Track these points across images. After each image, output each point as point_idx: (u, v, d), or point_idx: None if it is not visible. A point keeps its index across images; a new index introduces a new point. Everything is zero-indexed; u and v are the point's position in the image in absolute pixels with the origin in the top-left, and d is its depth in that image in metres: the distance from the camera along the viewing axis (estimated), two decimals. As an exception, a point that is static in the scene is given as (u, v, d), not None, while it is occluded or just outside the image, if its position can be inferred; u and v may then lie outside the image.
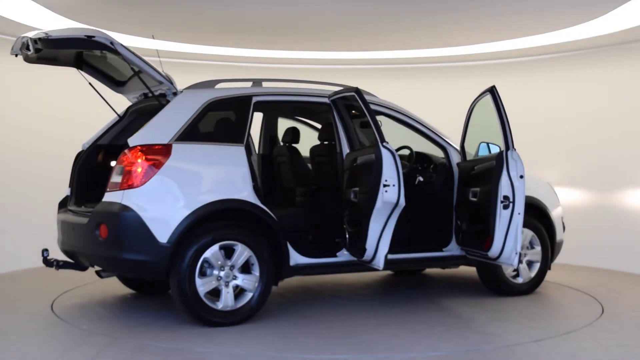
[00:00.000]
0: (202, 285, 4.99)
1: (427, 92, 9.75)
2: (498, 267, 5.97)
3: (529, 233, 6.21)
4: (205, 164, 5.16)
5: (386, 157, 4.96)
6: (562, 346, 4.66)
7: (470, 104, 6.09)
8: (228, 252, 5.12)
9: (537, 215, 6.32)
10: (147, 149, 4.98)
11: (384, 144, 5.00)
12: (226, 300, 5.06)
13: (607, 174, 8.49)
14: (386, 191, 4.91)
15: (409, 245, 6.04)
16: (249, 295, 5.14)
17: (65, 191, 6.11)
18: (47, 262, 5.56)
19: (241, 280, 5.13)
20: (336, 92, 5.61)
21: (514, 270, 6.13)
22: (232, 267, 5.10)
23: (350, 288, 6.72)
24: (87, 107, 6.97)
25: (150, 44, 8.64)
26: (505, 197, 5.34)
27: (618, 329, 5.22)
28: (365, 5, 6.97)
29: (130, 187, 4.91)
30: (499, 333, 5.00)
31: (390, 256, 5.62)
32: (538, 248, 6.26)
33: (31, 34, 5.08)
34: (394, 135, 6.70)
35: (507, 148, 5.43)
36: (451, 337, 4.86)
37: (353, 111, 6.71)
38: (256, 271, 5.15)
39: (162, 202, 4.95)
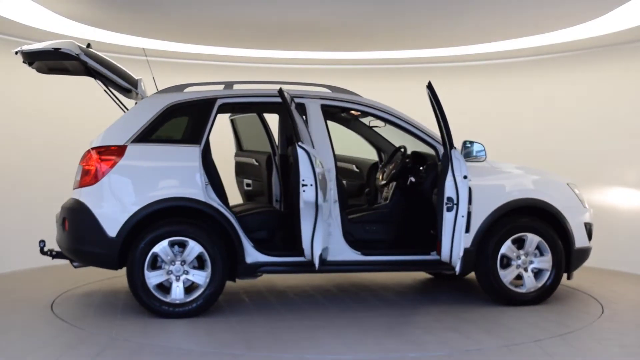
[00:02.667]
0: (152, 278, 5.33)
1: (425, 92, 9.73)
2: (495, 273, 5.76)
3: (535, 239, 5.82)
4: (157, 164, 5.53)
5: (302, 157, 5.02)
6: (562, 346, 4.66)
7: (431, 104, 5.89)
8: (184, 247, 5.42)
9: (548, 219, 5.91)
10: (103, 150, 5.45)
11: (299, 143, 5.06)
12: (175, 293, 5.35)
13: (607, 173, 8.48)
14: (304, 191, 5.00)
15: (395, 247, 6.00)
16: (200, 290, 5.37)
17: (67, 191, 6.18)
18: (43, 252, 5.88)
19: (192, 275, 5.38)
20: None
21: (517, 277, 5.84)
22: (183, 262, 5.37)
23: (340, 289, 6.73)
24: (91, 107, 6.99)
25: (149, 44, 8.66)
26: (449, 199, 5.21)
27: (618, 329, 5.22)
28: (364, 6, 6.96)
29: (87, 185, 5.42)
30: (499, 333, 5.00)
31: (371, 258, 5.69)
32: (548, 255, 5.84)
33: (15, 49, 5.65)
34: (394, 134, 6.71)
35: (450, 147, 5.28)
36: (382, 343, 4.75)
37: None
38: (208, 267, 5.38)
39: (113, 199, 5.39)
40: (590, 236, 6.14)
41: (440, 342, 4.76)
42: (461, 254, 5.25)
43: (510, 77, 9.48)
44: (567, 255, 5.91)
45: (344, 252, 5.64)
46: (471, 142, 5.75)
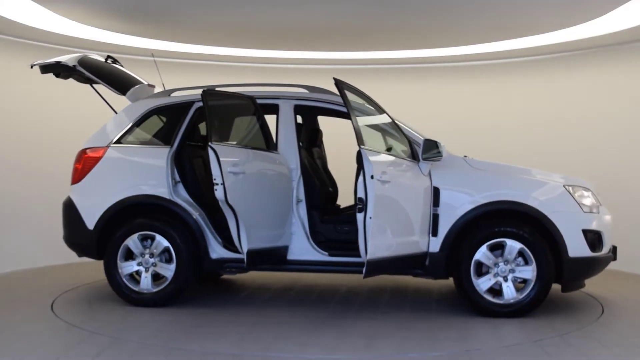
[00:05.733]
0: (124, 268, 5.80)
1: (426, 92, 9.75)
2: (468, 280, 5.45)
3: (516, 245, 5.39)
4: (131, 164, 5.97)
5: (211, 156, 5.11)
6: (562, 346, 4.66)
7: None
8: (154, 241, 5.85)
9: (534, 224, 5.46)
10: (88, 151, 6.01)
11: (210, 143, 5.15)
12: (143, 284, 5.78)
13: (606, 173, 8.48)
14: (216, 190, 5.10)
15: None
16: (167, 282, 5.75)
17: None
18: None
19: (159, 267, 5.77)
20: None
21: (497, 286, 5.46)
22: (152, 255, 5.78)
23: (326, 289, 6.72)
24: (91, 106, 7.05)
25: (152, 45, 8.69)
26: (360, 200, 4.99)
27: (618, 329, 5.23)
28: (364, 6, 6.97)
29: (75, 182, 6.02)
30: (499, 333, 5.00)
31: (336, 259, 5.64)
32: (532, 264, 5.39)
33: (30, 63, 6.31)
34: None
35: (359, 145, 5.00)
36: (325, 343, 4.73)
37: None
38: (174, 261, 5.74)
39: (92, 195, 5.94)
40: (594, 245, 5.56)
41: (440, 342, 4.76)
42: (366, 258, 4.97)
43: (511, 77, 9.48)
44: (560, 264, 5.44)
45: (308, 251, 5.71)
46: (430, 141, 5.45)
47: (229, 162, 5.13)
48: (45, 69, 6.19)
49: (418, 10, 7.12)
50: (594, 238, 5.57)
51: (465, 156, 5.91)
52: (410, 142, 5.63)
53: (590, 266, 5.59)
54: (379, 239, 5.07)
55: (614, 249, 5.90)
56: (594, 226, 5.58)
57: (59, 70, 6.19)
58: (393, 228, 5.25)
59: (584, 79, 8.83)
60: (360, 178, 5.01)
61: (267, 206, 5.51)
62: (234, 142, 5.47)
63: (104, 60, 6.45)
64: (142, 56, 8.66)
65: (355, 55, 9.46)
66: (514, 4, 6.89)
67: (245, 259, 5.28)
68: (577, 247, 5.46)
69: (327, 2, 6.86)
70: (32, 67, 6.26)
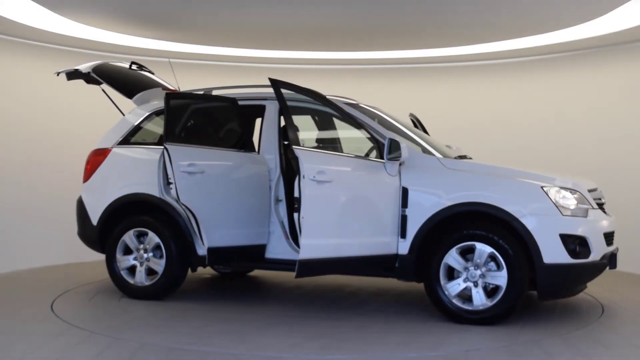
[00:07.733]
0: (122, 262, 6.10)
1: (426, 92, 9.75)
2: (437, 285, 5.23)
3: (486, 249, 5.10)
4: (129, 164, 6.26)
5: (166, 156, 5.40)
6: (562, 346, 4.66)
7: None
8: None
9: (508, 228, 5.12)
10: (96, 152, 6.38)
11: (165, 144, 5.38)
12: (137, 277, 6.05)
13: (605, 173, 8.48)
14: (171, 189, 5.44)
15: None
16: (158, 276, 5.97)
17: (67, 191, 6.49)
18: None
19: (152, 262, 6.02)
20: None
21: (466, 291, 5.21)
22: (145, 250, 6.03)
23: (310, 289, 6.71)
24: (95, 106, 7.09)
25: (159, 45, 8.71)
26: (296, 199, 4.93)
27: (618, 329, 5.23)
28: (365, 6, 6.97)
29: (85, 181, 6.41)
30: (499, 333, 5.00)
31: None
32: (504, 270, 5.07)
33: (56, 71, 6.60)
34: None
35: (290, 144, 4.96)
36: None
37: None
38: (164, 256, 5.95)
39: (96, 193, 6.31)
40: (576, 251, 5.10)
41: (438, 342, 4.76)
42: (299, 256, 4.90)
43: (510, 77, 9.48)
44: (535, 270, 5.06)
45: (286, 251, 5.76)
46: (394, 140, 5.23)
47: (183, 163, 5.35)
48: (70, 76, 6.44)
49: (418, 10, 7.12)
50: (575, 244, 5.11)
51: (463, 156, 5.90)
52: (378, 142, 5.41)
53: (571, 274, 5.13)
54: (315, 239, 4.96)
55: (611, 256, 5.41)
56: (576, 231, 5.11)
57: (83, 77, 6.37)
58: (338, 229, 5.12)
59: (584, 79, 8.83)
60: (297, 177, 4.96)
61: (234, 205, 5.63)
62: (195, 143, 5.60)
63: (127, 66, 6.54)
64: (142, 56, 8.67)
65: (356, 55, 9.46)
66: (514, 4, 6.89)
67: (207, 257, 5.50)
68: (553, 253, 5.03)
69: (327, 2, 6.87)
70: (57, 74, 6.49)
